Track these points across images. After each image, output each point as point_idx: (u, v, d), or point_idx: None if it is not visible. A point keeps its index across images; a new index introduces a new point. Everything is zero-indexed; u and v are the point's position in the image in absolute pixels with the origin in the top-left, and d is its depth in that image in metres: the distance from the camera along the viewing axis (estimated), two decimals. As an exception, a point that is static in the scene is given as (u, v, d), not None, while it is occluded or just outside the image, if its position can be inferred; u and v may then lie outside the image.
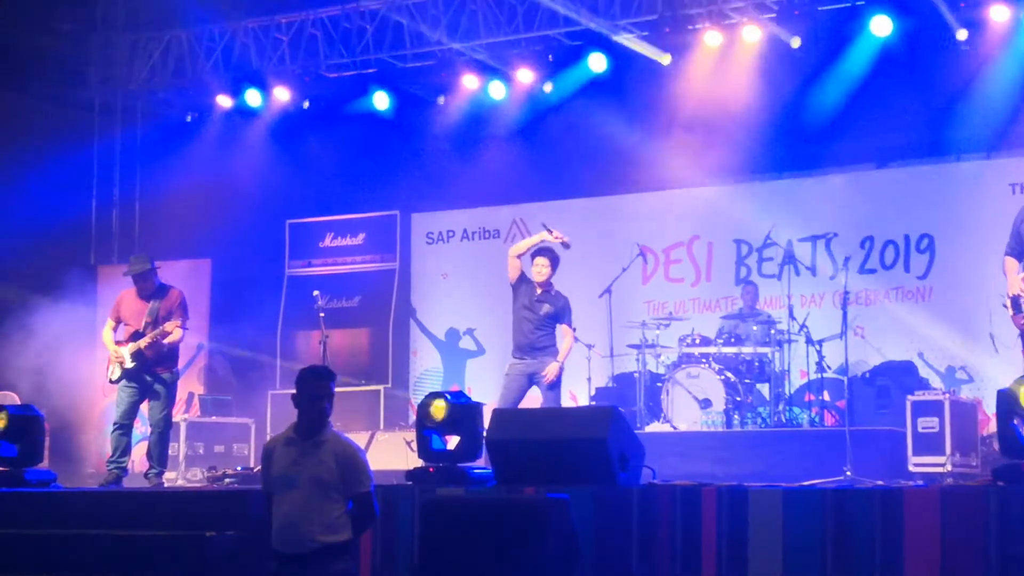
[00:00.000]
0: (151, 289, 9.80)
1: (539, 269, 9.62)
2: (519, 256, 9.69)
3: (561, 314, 9.63)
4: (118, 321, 9.84)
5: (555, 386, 9.50)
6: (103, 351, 10.07)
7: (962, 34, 11.15)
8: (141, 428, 10.48)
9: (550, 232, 9.62)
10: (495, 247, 13.16)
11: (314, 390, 6.11)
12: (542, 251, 9.68)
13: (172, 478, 11.54)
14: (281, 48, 13.33)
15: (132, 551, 7.26)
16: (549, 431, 7.41)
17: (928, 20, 11.10)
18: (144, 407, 9.79)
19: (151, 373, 9.66)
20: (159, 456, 9.76)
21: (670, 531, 6.60)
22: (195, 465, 11.83)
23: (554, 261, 9.65)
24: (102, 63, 14.16)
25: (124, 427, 9.67)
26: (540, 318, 9.55)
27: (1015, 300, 8.29)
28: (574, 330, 9.78)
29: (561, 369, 9.50)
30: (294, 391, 6.17)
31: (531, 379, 9.50)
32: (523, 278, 9.68)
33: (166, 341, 9.61)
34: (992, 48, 11.20)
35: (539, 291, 9.62)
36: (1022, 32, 11.02)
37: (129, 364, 9.58)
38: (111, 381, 9.78)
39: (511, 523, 6.28)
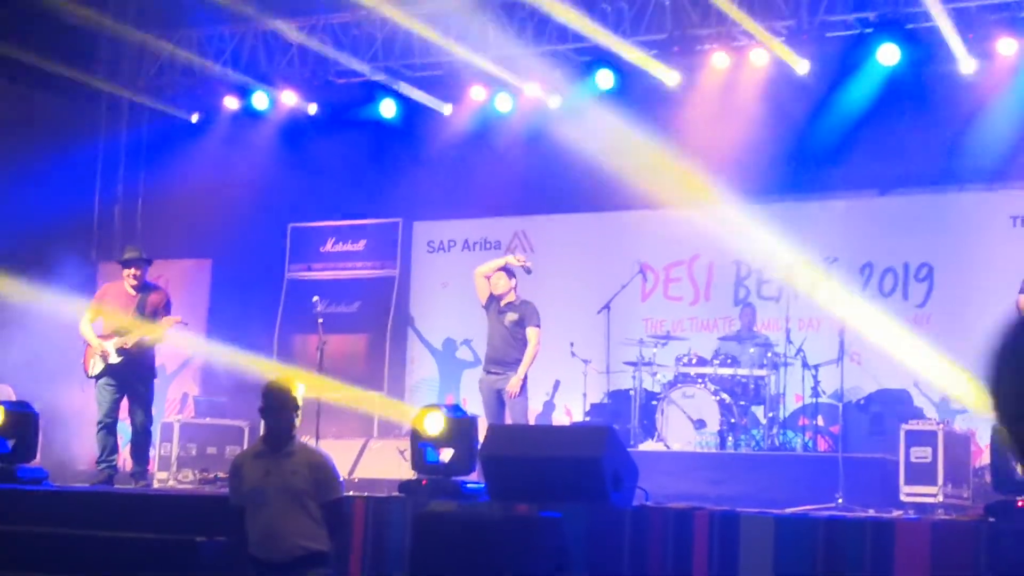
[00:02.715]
0: (142, 280, 9.77)
1: (496, 281, 9.88)
2: (486, 276, 9.97)
3: (526, 318, 9.80)
4: (98, 315, 9.78)
5: (518, 399, 9.62)
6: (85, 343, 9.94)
7: (969, 65, 11.19)
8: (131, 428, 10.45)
9: (513, 255, 10.11)
10: (496, 258, 13.19)
11: (279, 402, 6.15)
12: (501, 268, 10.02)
13: (163, 479, 11.55)
14: (290, 52, 13.37)
15: (121, 553, 7.26)
16: (544, 448, 7.42)
17: (935, 50, 11.13)
18: (124, 407, 9.76)
19: (133, 373, 9.61)
20: (144, 456, 9.77)
21: (661, 553, 6.61)
22: (187, 466, 11.82)
23: (510, 274, 9.92)
24: (111, 60, 14.20)
25: (108, 426, 9.63)
26: (508, 328, 9.75)
27: None
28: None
29: (524, 380, 9.65)
30: (261, 404, 6.21)
31: (499, 393, 9.66)
32: (491, 297, 9.95)
33: (152, 337, 9.58)
34: (998, 81, 11.24)
35: (503, 303, 9.83)
36: (1029, 66, 11.07)
37: (114, 359, 9.52)
38: (90, 376, 9.71)
39: (503, 539, 6.31)
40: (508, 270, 9.98)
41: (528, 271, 10.06)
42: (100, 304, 9.81)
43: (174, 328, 9.88)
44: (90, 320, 9.77)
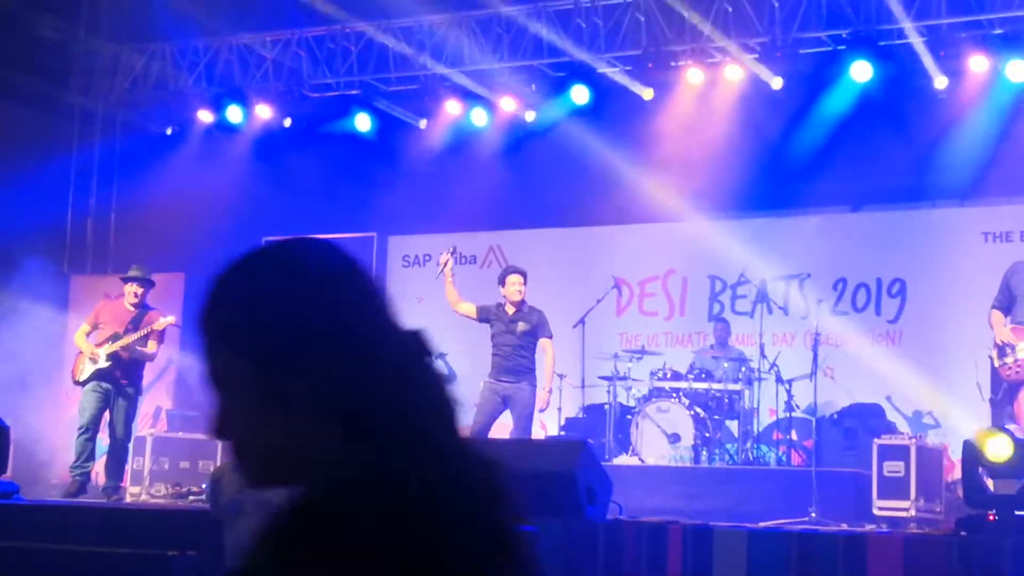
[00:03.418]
0: (143, 299, 9.85)
1: (516, 288, 9.69)
2: (461, 301, 9.78)
3: (539, 328, 9.67)
4: (94, 326, 9.86)
5: (530, 415, 9.54)
6: (71, 359, 10.04)
7: (941, 82, 11.28)
8: (107, 440, 10.42)
9: (440, 260, 9.79)
10: (471, 273, 13.18)
11: None
12: (512, 270, 9.81)
13: (136, 493, 11.48)
14: (265, 65, 13.36)
15: (93, 568, 7.21)
16: (518, 462, 7.39)
17: (908, 67, 11.22)
18: (106, 418, 9.78)
19: (121, 380, 9.64)
20: (118, 471, 9.77)
21: (635, 567, 6.61)
22: (159, 480, 11.74)
23: (525, 276, 9.77)
24: (84, 72, 14.14)
25: (90, 432, 9.67)
26: (518, 337, 9.57)
27: (1001, 349, 8.41)
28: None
29: (548, 393, 9.59)
30: None
31: (506, 402, 9.51)
32: (486, 309, 9.75)
33: (142, 349, 9.62)
34: (970, 97, 11.32)
35: (512, 310, 9.67)
36: (1000, 83, 11.15)
37: (103, 364, 9.57)
38: (78, 382, 9.74)
39: (476, 554, 6.30)
40: (522, 272, 9.80)
41: (445, 264, 9.76)
42: (96, 317, 9.89)
43: (167, 329, 9.90)
44: (86, 331, 9.84)
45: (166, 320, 9.72)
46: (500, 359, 9.62)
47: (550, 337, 9.69)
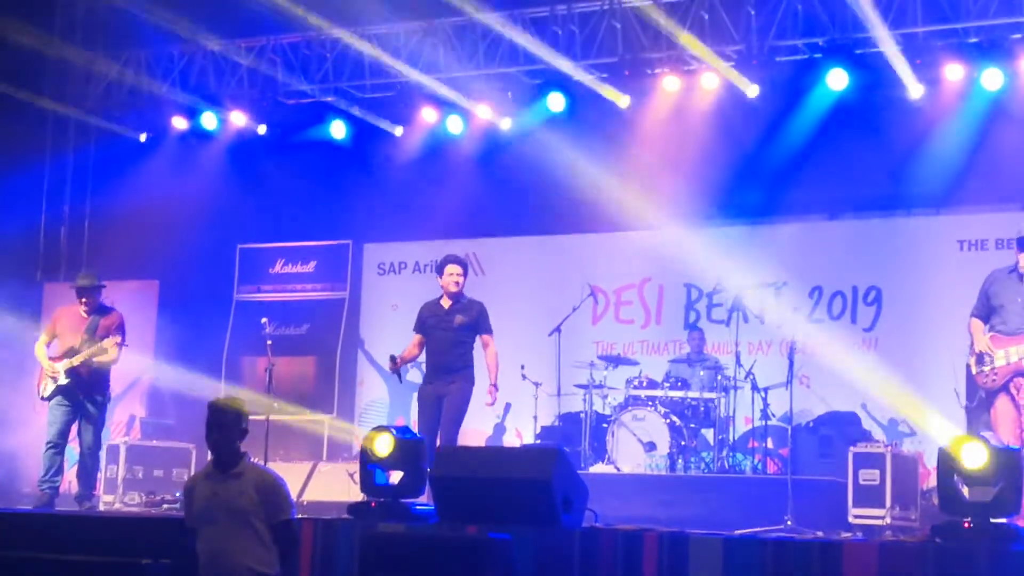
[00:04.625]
0: (94, 306, 9.80)
1: (455, 278, 9.41)
2: (415, 343, 9.51)
3: (479, 321, 9.42)
4: (52, 337, 9.80)
5: (459, 414, 9.23)
6: (38, 366, 9.97)
7: (917, 90, 11.32)
8: (78, 450, 10.35)
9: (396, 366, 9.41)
10: (446, 281, 13.17)
11: (220, 421, 6.10)
12: (451, 260, 9.56)
13: (109, 501, 11.41)
14: (239, 72, 13.30)
15: (65, 577, 7.14)
16: (494, 470, 7.39)
17: (884, 75, 11.24)
18: (75, 429, 9.72)
19: (85, 394, 9.59)
20: (90, 480, 9.71)
21: (610, 575, 6.59)
22: (133, 489, 11.67)
23: (464, 266, 9.58)
24: (57, 79, 14.06)
25: (58, 446, 9.61)
26: (456, 331, 9.33)
27: (980, 357, 8.43)
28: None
29: (495, 388, 9.35)
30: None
31: (441, 400, 9.27)
32: (420, 319, 9.48)
33: (100, 359, 9.55)
34: (945, 106, 11.37)
35: (449, 303, 9.45)
36: (976, 91, 11.19)
37: (63, 380, 9.53)
38: (43, 398, 9.69)
39: (452, 562, 6.27)
40: (462, 263, 9.62)
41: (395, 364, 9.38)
42: (54, 327, 9.82)
43: (124, 329, 9.82)
44: (44, 343, 9.77)
45: (112, 342, 9.60)
46: (435, 358, 9.31)
47: (490, 333, 9.42)
